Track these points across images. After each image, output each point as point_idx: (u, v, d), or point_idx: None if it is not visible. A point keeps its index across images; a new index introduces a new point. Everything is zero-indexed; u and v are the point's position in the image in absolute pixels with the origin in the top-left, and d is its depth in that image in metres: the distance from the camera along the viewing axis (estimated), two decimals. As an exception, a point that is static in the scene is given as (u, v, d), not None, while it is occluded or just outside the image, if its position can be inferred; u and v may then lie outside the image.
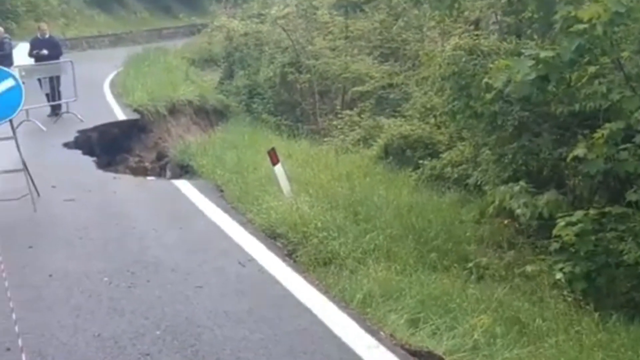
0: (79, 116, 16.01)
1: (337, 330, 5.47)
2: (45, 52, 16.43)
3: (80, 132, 14.82)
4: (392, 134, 14.65)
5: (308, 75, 19.08)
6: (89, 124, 15.62)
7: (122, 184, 10.87)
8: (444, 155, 13.11)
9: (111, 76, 24.61)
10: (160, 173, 15.85)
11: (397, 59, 20.03)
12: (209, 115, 20.94)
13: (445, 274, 7.65)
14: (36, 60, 16.75)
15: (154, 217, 8.81)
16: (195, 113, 20.32)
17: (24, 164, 8.76)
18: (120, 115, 17.34)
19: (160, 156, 16.62)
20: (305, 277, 6.72)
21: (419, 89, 16.67)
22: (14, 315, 4.89)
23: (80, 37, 38.19)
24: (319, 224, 8.07)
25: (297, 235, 7.90)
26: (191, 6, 47.40)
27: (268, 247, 7.62)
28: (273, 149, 10.13)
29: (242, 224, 8.60)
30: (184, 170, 14.68)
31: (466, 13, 15.16)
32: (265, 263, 7.04)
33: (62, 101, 16.51)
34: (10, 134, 8.92)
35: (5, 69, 8.78)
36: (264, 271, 6.81)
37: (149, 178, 14.87)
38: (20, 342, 4.64)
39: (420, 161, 13.28)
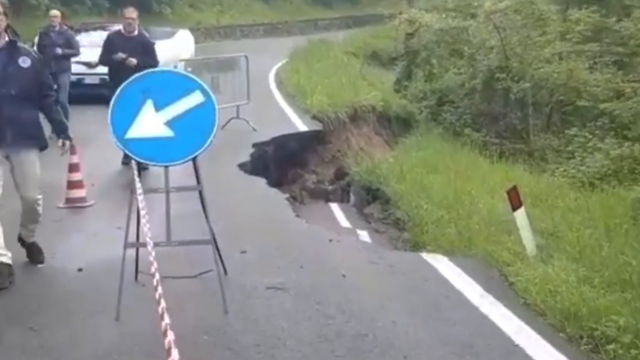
0: (251, 124, 12.96)
1: None
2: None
3: (255, 146, 11.72)
4: (669, 173, 10.86)
5: (527, 84, 15.22)
6: (263, 133, 12.54)
7: (345, 254, 6.92)
8: None
9: (274, 70, 21.78)
10: (342, 197, 12.83)
11: (622, 67, 16.06)
12: (391, 123, 17.58)
13: None
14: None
15: (430, 349, 4.86)
16: (377, 121, 17.03)
17: (213, 235, 5.33)
18: (298, 122, 14.25)
19: (340, 174, 13.61)
20: None
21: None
22: None
23: (234, 25, 36.15)
24: (621, 322, 5.07)
25: (580, 331, 5.15)
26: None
27: None
28: (515, 188, 7.22)
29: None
30: (372, 196, 11.91)
31: None
32: None
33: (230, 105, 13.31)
34: (191, 176, 5.67)
35: (193, 77, 5.53)
36: None
37: (331, 204, 12.11)
38: None
39: None
